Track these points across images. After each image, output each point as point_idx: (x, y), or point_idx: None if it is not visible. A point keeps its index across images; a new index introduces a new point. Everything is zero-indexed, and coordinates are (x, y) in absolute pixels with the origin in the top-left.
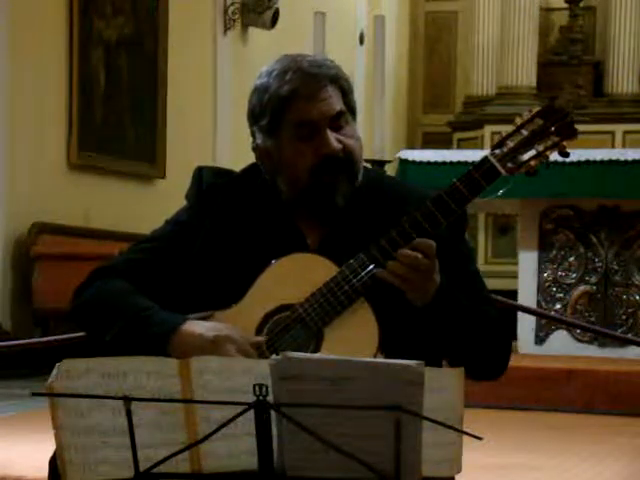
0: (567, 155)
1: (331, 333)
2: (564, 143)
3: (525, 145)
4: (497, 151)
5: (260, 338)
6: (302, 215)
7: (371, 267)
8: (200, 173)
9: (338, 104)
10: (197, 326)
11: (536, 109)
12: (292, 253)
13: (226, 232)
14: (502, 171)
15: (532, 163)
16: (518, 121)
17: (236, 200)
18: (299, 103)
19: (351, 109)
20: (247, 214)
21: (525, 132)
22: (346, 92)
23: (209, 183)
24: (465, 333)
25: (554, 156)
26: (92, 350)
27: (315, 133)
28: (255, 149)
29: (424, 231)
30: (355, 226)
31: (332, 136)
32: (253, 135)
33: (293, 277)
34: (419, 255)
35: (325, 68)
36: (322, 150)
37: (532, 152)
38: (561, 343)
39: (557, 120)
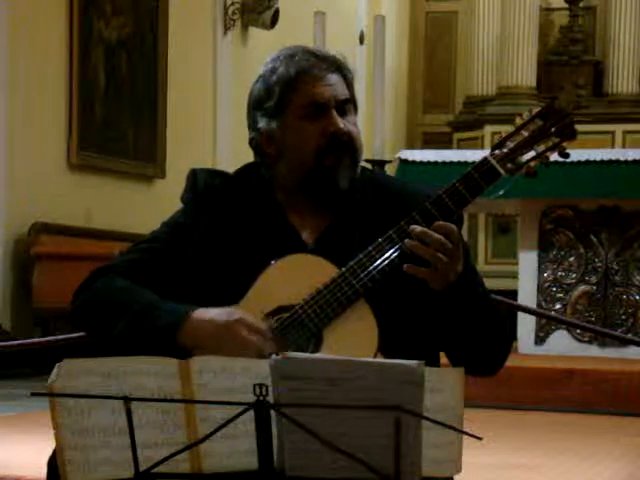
0: (567, 156)
1: (330, 334)
2: (564, 144)
3: (525, 146)
4: (497, 152)
5: (270, 322)
6: (296, 213)
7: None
8: (195, 175)
9: (345, 91)
10: (207, 312)
11: (536, 110)
12: (288, 252)
13: (222, 233)
14: (502, 172)
15: (532, 164)
16: (518, 122)
17: (231, 200)
18: (307, 83)
19: (354, 101)
20: (242, 214)
21: (525, 133)
22: (350, 83)
23: (204, 184)
24: (475, 322)
25: (554, 156)
26: (93, 350)
27: (322, 113)
28: (253, 139)
29: None
30: (352, 225)
31: (338, 118)
32: (253, 124)
33: (292, 278)
34: (442, 237)
35: (332, 55)
36: (329, 129)
37: (532, 153)
38: (561, 343)
39: (557, 121)
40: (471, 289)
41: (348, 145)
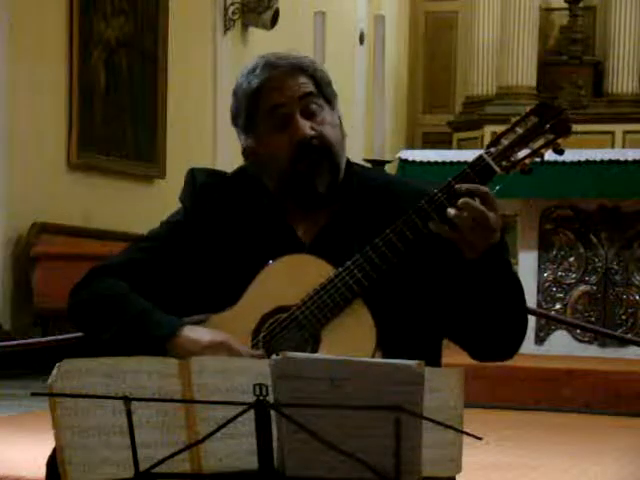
0: (562, 153)
1: (328, 334)
2: (559, 140)
3: (520, 143)
4: (492, 149)
5: (258, 352)
6: (293, 212)
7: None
8: (193, 174)
9: (307, 88)
10: (194, 332)
11: (530, 107)
12: (285, 252)
13: (220, 232)
14: (497, 169)
15: (527, 161)
16: (513, 119)
17: (229, 200)
18: (268, 92)
19: (326, 97)
20: (240, 214)
21: (520, 130)
22: (318, 81)
23: (202, 183)
24: (502, 294)
25: (554, 156)
26: (92, 350)
27: (288, 121)
28: (243, 152)
29: (419, 230)
30: (349, 223)
31: (305, 123)
32: (239, 139)
33: (290, 278)
34: (481, 206)
35: (292, 59)
36: (295, 137)
37: (527, 150)
38: (561, 343)
39: (552, 117)
40: (503, 260)
41: (320, 149)
